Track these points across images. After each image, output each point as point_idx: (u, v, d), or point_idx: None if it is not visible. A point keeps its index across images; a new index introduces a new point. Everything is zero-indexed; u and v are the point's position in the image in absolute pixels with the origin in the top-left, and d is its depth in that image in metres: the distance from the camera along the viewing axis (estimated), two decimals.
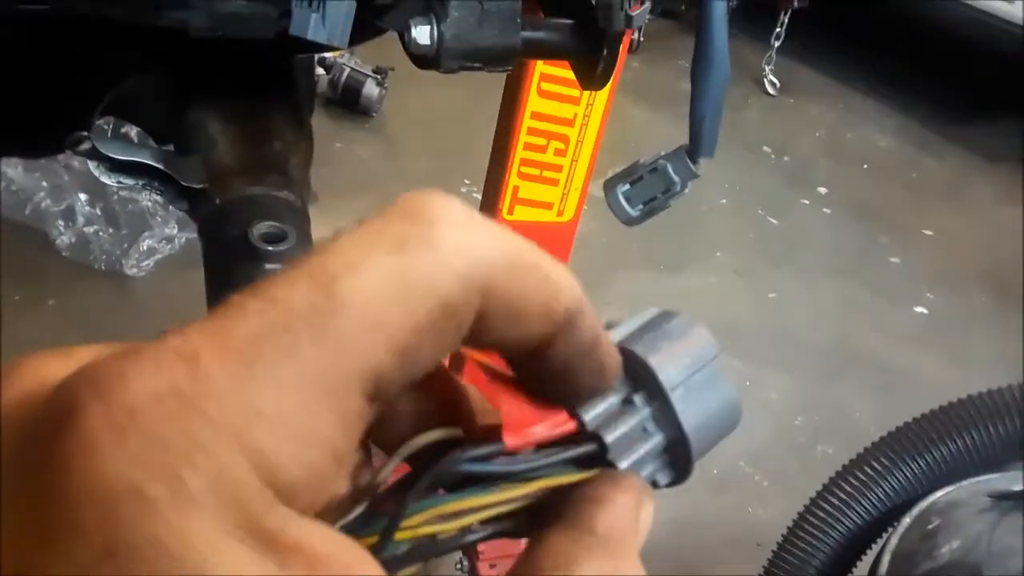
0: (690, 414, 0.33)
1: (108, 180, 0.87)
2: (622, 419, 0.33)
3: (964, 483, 1.27)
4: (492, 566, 1.78)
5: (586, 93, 1.55)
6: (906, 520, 1.26)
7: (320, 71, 3.35)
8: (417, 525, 0.28)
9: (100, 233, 2.46)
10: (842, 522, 1.32)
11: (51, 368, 0.26)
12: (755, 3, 3.67)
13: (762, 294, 3.03)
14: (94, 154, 0.85)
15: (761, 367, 2.63)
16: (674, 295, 2.87)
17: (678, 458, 0.34)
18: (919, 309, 3.12)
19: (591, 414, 0.33)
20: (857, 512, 1.31)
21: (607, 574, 0.29)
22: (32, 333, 2.16)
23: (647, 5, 0.84)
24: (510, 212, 1.64)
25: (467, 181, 3.04)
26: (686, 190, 1.13)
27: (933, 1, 4.43)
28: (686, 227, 3.10)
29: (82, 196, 2.46)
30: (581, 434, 0.32)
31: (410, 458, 0.30)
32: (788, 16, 3.96)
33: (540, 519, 0.30)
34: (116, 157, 0.85)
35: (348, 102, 3.37)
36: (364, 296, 0.25)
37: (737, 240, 3.27)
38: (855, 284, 3.15)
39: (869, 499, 1.31)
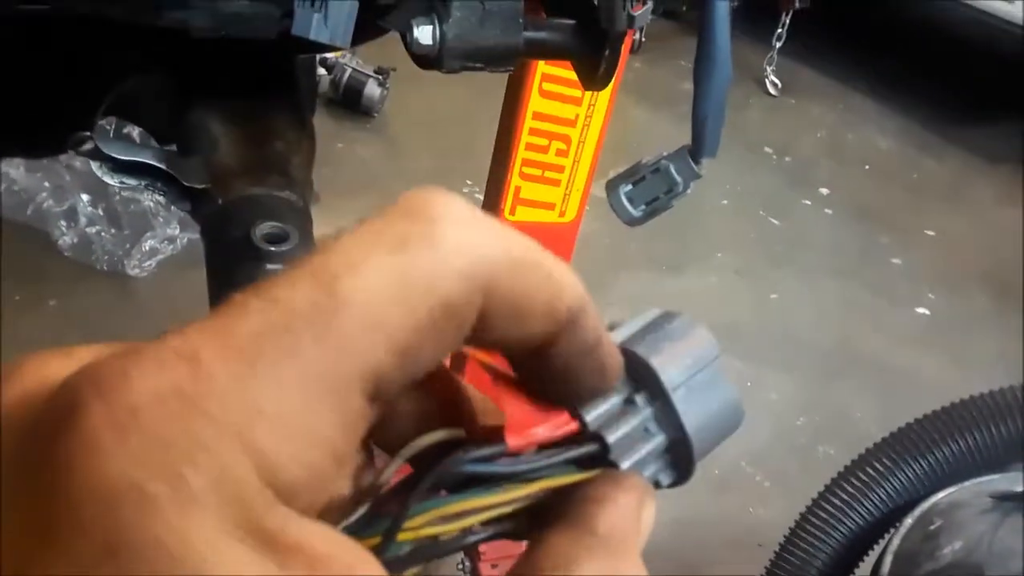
0: (692, 414, 0.33)
1: (110, 180, 0.87)
2: (624, 419, 0.33)
3: (966, 484, 1.27)
4: (494, 566, 1.78)
5: (588, 93, 1.55)
6: (908, 521, 1.26)
7: (322, 71, 3.35)
8: (419, 526, 0.28)
9: (102, 233, 2.46)
10: (844, 523, 1.32)
11: (52, 368, 0.26)
12: (756, 4, 3.67)
13: (763, 295, 3.03)
14: (96, 154, 0.85)
15: (762, 368, 2.63)
16: (675, 295, 2.87)
17: (680, 458, 0.34)
18: (920, 310, 3.12)
19: (593, 414, 0.33)
20: (859, 513, 1.31)
21: (608, 574, 0.29)
22: (33, 333, 2.17)
23: (649, 5, 0.84)
24: (512, 212, 1.64)
25: (469, 181, 3.04)
26: (688, 190, 1.13)
27: (933, 1, 4.43)
28: (687, 227, 3.10)
29: (84, 196, 2.46)
30: (583, 434, 0.32)
31: (412, 459, 0.30)
32: (789, 17, 3.96)
33: (541, 520, 0.30)
34: (118, 157, 0.86)
35: (350, 102, 3.37)
36: (365, 295, 0.25)
37: (738, 240, 3.27)
38: (856, 285, 3.15)
39: (871, 500, 1.31)
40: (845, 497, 1.32)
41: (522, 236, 0.29)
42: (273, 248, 0.80)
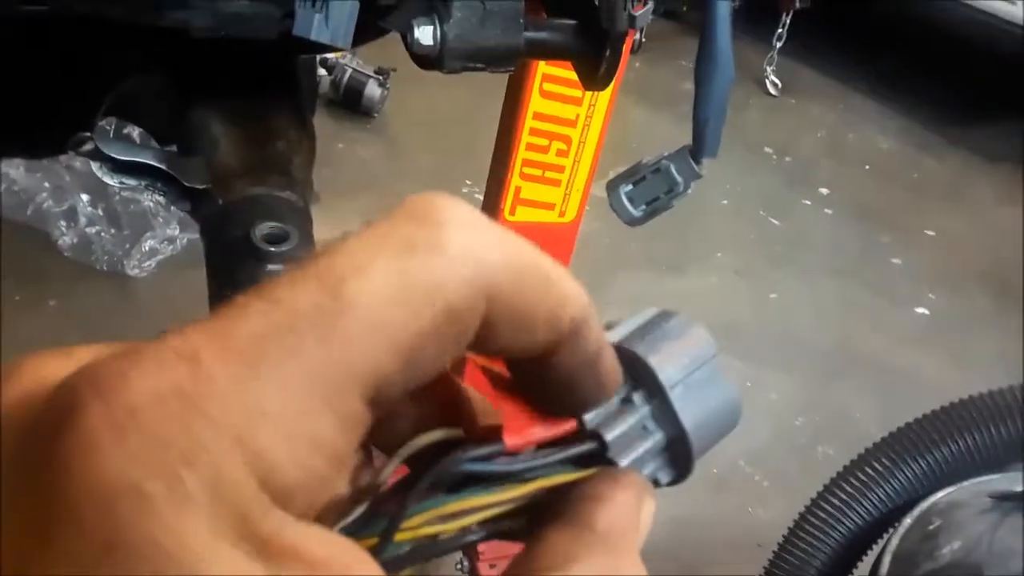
0: (689, 412, 0.34)
1: (110, 181, 0.87)
2: (622, 418, 0.33)
3: (965, 484, 1.27)
4: (492, 566, 1.78)
5: (588, 94, 1.55)
6: (907, 521, 1.26)
7: (322, 72, 3.35)
8: (418, 526, 0.28)
9: (102, 234, 2.46)
10: (843, 523, 1.32)
11: (51, 368, 0.26)
12: (757, 4, 3.67)
13: (763, 294, 3.03)
14: (96, 155, 0.85)
15: (762, 367, 2.63)
16: (675, 295, 2.87)
17: (678, 456, 0.34)
18: (920, 310, 3.12)
19: (591, 413, 0.33)
20: (858, 513, 1.31)
21: (607, 572, 0.29)
22: (33, 333, 2.17)
23: (650, 5, 0.84)
24: (512, 212, 1.64)
25: (469, 181, 3.04)
26: (689, 191, 1.13)
27: (933, 1, 4.42)
28: (687, 227, 3.10)
29: (84, 197, 2.46)
30: (581, 433, 0.32)
31: (410, 459, 0.30)
32: (790, 17, 3.96)
33: (540, 519, 0.30)
34: (118, 158, 0.86)
35: (350, 103, 3.38)
36: (370, 299, 0.25)
37: (738, 240, 3.27)
38: (856, 285, 3.15)
39: (870, 500, 1.31)
40: (844, 497, 1.32)
41: (527, 244, 0.29)
42: (273, 248, 0.80)
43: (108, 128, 1.11)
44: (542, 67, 1.51)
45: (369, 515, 0.28)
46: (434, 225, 0.27)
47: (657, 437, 0.34)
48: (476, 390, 0.33)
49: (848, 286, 3.13)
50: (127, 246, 2.47)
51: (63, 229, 2.46)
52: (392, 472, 0.30)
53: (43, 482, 0.23)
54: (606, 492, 0.31)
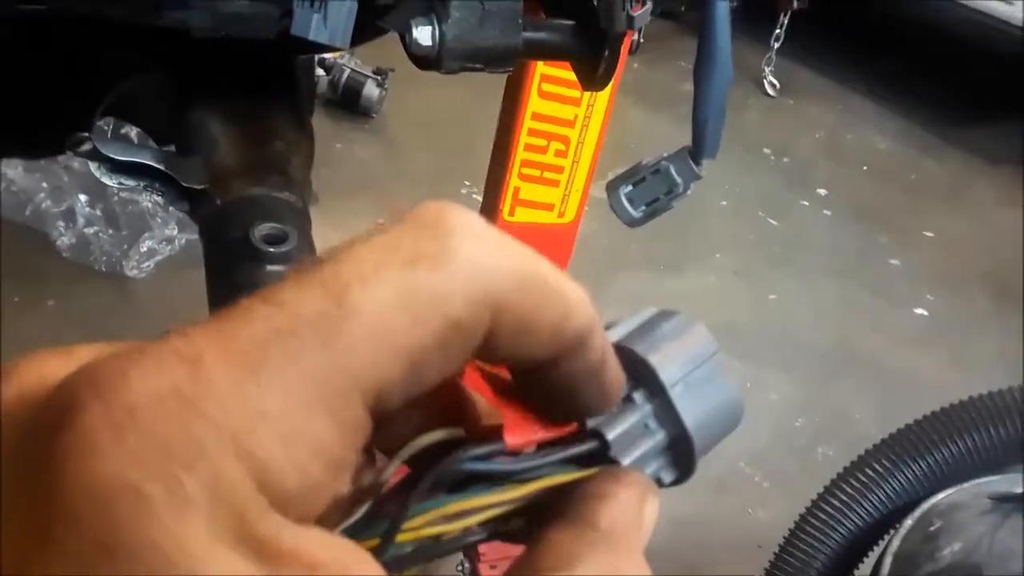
0: (691, 410, 0.33)
1: (109, 181, 0.87)
2: (623, 417, 0.33)
3: (965, 485, 1.27)
4: (493, 567, 1.78)
5: (587, 94, 1.55)
6: (907, 522, 1.26)
7: (320, 72, 3.35)
8: (419, 526, 0.28)
9: (100, 234, 2.46)
10: (843, 524, 1.32)
11: (51, 367, 0.26)
12: (755, 4, 3.67)
13: (762, 295, 3.03)
14: (95, 155, 0.85)
15: (761, 368, 2.63)
16: (674, 296, 2.87)
17: (681, 455, 0.34)
18: (919, 311, 3.12)
19: None
20: (858, 514, 1.31)
21: (611, 571, 0.28)
22: (32, 334, 2.16)
23: (648, 6, 0.84)
24: (511, 213, 1.64)
25: (467, 182, 3.04)
26: (688, 191, 1.13)
27: (932, 2, 4.43)
28: (686, 228, 3.10)
29: (82, 197, 2.46)
30: (582, 432, 0.32)
31: (411, 459, 0.30)
32: (788, 17, 3.96)
33: (542, 520, 0.30)
34: (117, 158, 0.85)
35: (348, 103, 3.38)
36: (374, 307, 0.25)
37: (737, 241, 3.27)
38: (855, 285, 3.15)
39: (870, 501, 1.31)
40: (844, 498, 1.32)
41: (534, 254, 0.29)
42: (272, 249, 0.80)
43: (106, 128, 1.11)
44: (540, 67, 1.51)
45: (370, 516, 0.28)
46: (441, 235, 0.27)
47: (659, 436, 0.34)
48: (475, 389, 0.33)
49: (847, 287, 3.13)
50: (125, 246, 2.47)
51: (62, 229, 2.46)
52: (393, 473, 0.30)
53: (42, 482, 0.23)
54: (609, 490, 0.31)
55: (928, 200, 3.77)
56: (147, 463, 0.22)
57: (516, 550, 0.30)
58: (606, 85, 0.86)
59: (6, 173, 2.43)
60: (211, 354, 0.24)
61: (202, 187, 0.86)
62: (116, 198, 2.45)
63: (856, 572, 1.36)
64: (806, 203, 3.59)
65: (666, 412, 0.34)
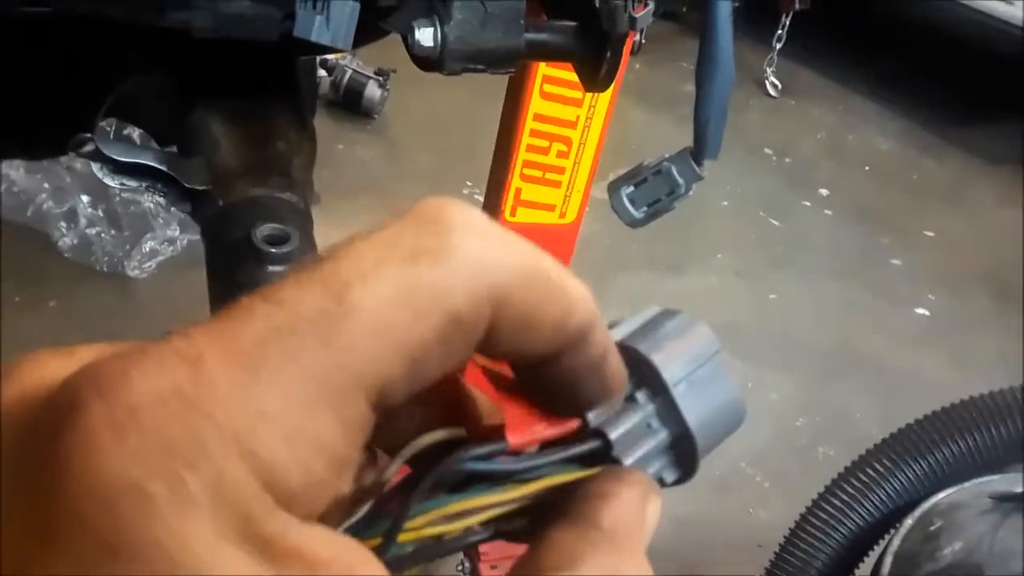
0: (693, 410, 0.33)
1: (111, 182, 0.87)
2: (625, 416, 0.33)
3: (966, 485, 1.27)
4: (493, 567, 1.78)
5: (588, 95, 1.55)
6: (908, 522, 1.26)
7: (322, 73, 3.35)
8: (421, 526, 0.28)
9: (102, 235, 2.46)
10: (844, 524, 1.32)
11: (52, 367, 0.26)
12: (756, 5, 3.67)
13: (763, 295, 3.03)
14: (97, 156, 0.85)
15: (762, 368, 2.63)
16: (676, 296, 2.87)
17: (683, 455, 0.34)
18: (920, 311, 3.12)
19: (594, 411, 0.32)
20: (859, 514, 1.31)
21: (613, 571, 0.28)
22: (33, 334, 2.16)
23: (651, 7, 0.84)
24: (512, 214, 1.64)
25: (469, 183, 3.04)
26: (690, 192, 1.13)
27: (933, 2, 4.43)
28: (687, 229, 3.10)
29: (84, 198, 2.46)
30: (584, 431, 0.32)
31: (413, 459, 0.30)
32: (789, 18, 3.96)
33: (544, 519, 0.30)
34: (119, 159, 0.85)
35: (350, 104, 3.37)
36: (375, 304, 0.25)
37: (738, 242, 3.27)
38: (856, 286, 3.15)
39: (871, 501, 1.31)
40: (845, 498, 1.32)
41: (535, 249, 0.28)
42: (274, 250, 0.80)
43: (108, 129, 1.11)
44: (542, 68, 1.51)
45: (372, 515, 0.28)
46: (442, 231, 0.27)
47: (661, 435, 0.34)
48: (478, 388, 0.33)
49: (848, 287, 3.13)
50: (127, 247, 2.47)
51: (63, 230, 2.46)
52: (395, 472, 0.30)
53: (44, 481, 0.23)
54: (611, 490, 0.31)
55: (929, 200, 3.76)
56: (150, 463, 0.22)
57: (517, 550, 0.30)
58: (608, 86, 0.86)
59: (8, 174, 2.43)
60: (212, 354, 0.24)
61: (204, 188, 0.86)
62: (118, 199, 2.45)
63: (857, 572, 1.36)
64: (807, 203, 3.59)
65: (669, 411, 0.34)
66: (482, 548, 1.67)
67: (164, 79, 0.94)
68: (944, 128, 4.26)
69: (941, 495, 1.27)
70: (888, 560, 1.22)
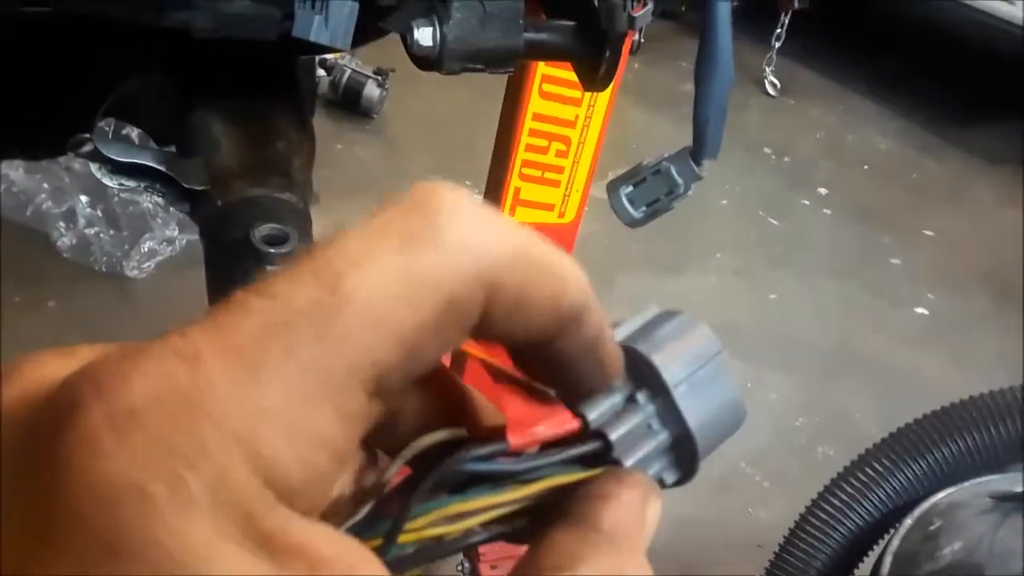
0: (694, 410, 0.33)
1: (109, 182, 0.87)
2: (626, 417, 0.33)
3: (966, 484, 1.27)
4: (493, 567, 1.78)
5: (587, 94, 1.55)
6: (908, 521, 1.26)
7: (321, 72, 3.34)
8: (422, 527, 0.28)
9: (101, 235, 2.46)
10: (844, 523, 1.32)
11: (52, 367, 0.26)
12: (756, 4, 3.67)
13: (763, 295, 3.03)
14: (96, 156, 0.85)
15: (762, 368, 2.63)
16: (675, 296, 2.87)
17: (684, 456, 0.34)
18: (920, 310, 3.12)
19: (595, 412, 0.32)
20: (859, 513, 1.31)
21: (613, 572, 0.28)
22: (33, 334, 2.16)
23: (649, 6, 0.84)
24: (511, 214, 1.63)
25: (468, 183, 3.03)
26: (689, 192, 1.13)
27: (933, 2, 4.43)
28: (687, 228, 3.10)
29: (83, 198, 2.46)
30: (585, 433, 0.32)
31: (413, 460, 0.30)
32: (788, 17, 3.96)
33: (544, 520, 0.30)
34: (118, 159, 0.85)
35: (349, 103, 3.37)
36: (368, 293, 0.25)
37: (738, 241, 3.27)
38: (856, 285, 3.15)
39: (871, 500, 1.31)
40: (845, 498, 1.32)
41: (528, 231, 0.28)
42: (273, 250, 0.80)
43: (107, 129, 1.11)
44: (541, 68, 1.51)
45: (373, 516, 0.28)
46: (433, 215, 0.27)
47: (662, 436, 0.34)
48: (478, 389, 0.33)
49: (848, 286, 3.13)
50: (126, 247, 2.47)
51: (62, 230, 2.46)
52: (395, 473, 0.30)
53: (44, 481, 0.23)
54: (612, 491, 0.30)
55: (929, 200, 3.76)
56: (150, 463, 0.22)
57: (517, 551, 0.30)
58: (607, 86, 0.86)
59: (7, 174, 2.43)
60: (209, 352, 0.24)
61: (203, 188, 0.86)
62: (117, 199, 2.45)
63: (856, 571, 1.36)
64: (807, 203, 3.59)
65: (669, 412, 0.33)
66: (482, 549, 1.67)
67: (163, 79, 0.94)
68: (944, 128, 4.26)
69: (941, 495, 1.27)
70: (888, 560, 1.22)
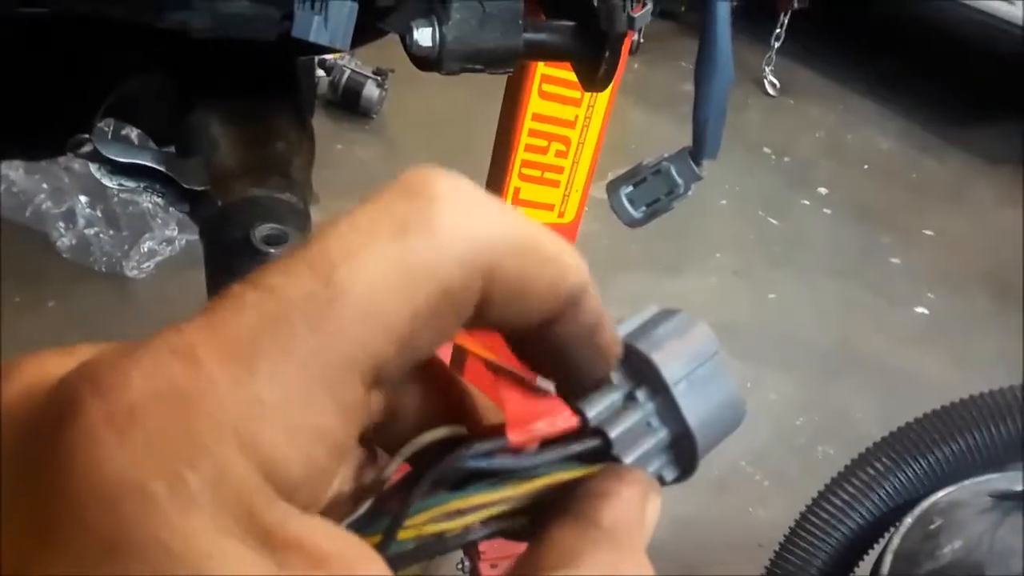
0: (693, 408, 0.33)
1: (109, 182, 0.87)
2: (626, 414, 0.33)
3: (966, 483, 1.27)
4: (493, 566, 1.78)
5: (587, 95, 1.55)
6: (908, 520, 1.26)
7: (320, 73, 3.34)
8: (421, 524, 0.28)
9: (101, 235, 2.46)
10: (844, 523, 1.32)
11: (51, 366, 0.26)
12: (755, 4, 3.67)
13: (762, 295, 3.03)
14: (95, 156, 0.85)
15: (762, 368, 2.63)
16: (675, 296, 2.87)
17: (683, 453, 0.34)
18: (920, 310, 3.12)
19: (595, 410, 0.32)
20: (859, 512, 1.31)
21: (613, 569, 0.28)
22: (32, 334, 2.16)
23: (649, 7, 0.84)
24: None
25: None
26: (689, 192, 1.13)
27: (933, 2, 4.43)
28: (686, 228, 3.10)
29: (83, 198, 2.46)
30: (584, 430, 0.32)
31: (413, 457, 0.30)
32: (788, 17, 3.96)
33: (544, 518, 0.30)
34: (117, 159, 0.85)
35: (348, 104, 3.37)
36: (363, 284, 0.25)
37: (737, 241, 3.27)
38: (856, 285, 3.15)
39: (871, 499, 1.31)
40: (845, 497, 1.32)
41: (523, 216, 0.28)
42: (272, 250, 0.80)
43: (107, 130, 1.11)
44: (541, 68, 1.51)
45: (372, 513, 0.28)
46: (427, 202, 0.26)
47: (661, 434, 0.34)
48: (478, 387, 0.33)
49: (847, 286, 3.13)
50: (126, 247, 2.47)
51: (62, 230, 2.46)
52: (395, 470, 0.30)
53: (44, 481, 0.23)
54: (611, 488, 0.30)
55: (929, 200, 3.76)
56: (150, 462, 0.22)
57: (516, 548, 0.30)
58: (607, 86, 0.86)
59: (7, 174, 2.43)
60: (205, 348, 0.24)
61: (203, 188, 0.86)
62: (116, 199, 2.45)
63: (856, 570, 1.36)
64: (807, 202, 3.59)
65: (669, 410, 0.33)
66: (482, 547, 1.67)
67: (163, 79, 0.94)
68: (944, 128, 4.26)
69: (941, 494, 1.27)
70: (888, 559, 1.22)
